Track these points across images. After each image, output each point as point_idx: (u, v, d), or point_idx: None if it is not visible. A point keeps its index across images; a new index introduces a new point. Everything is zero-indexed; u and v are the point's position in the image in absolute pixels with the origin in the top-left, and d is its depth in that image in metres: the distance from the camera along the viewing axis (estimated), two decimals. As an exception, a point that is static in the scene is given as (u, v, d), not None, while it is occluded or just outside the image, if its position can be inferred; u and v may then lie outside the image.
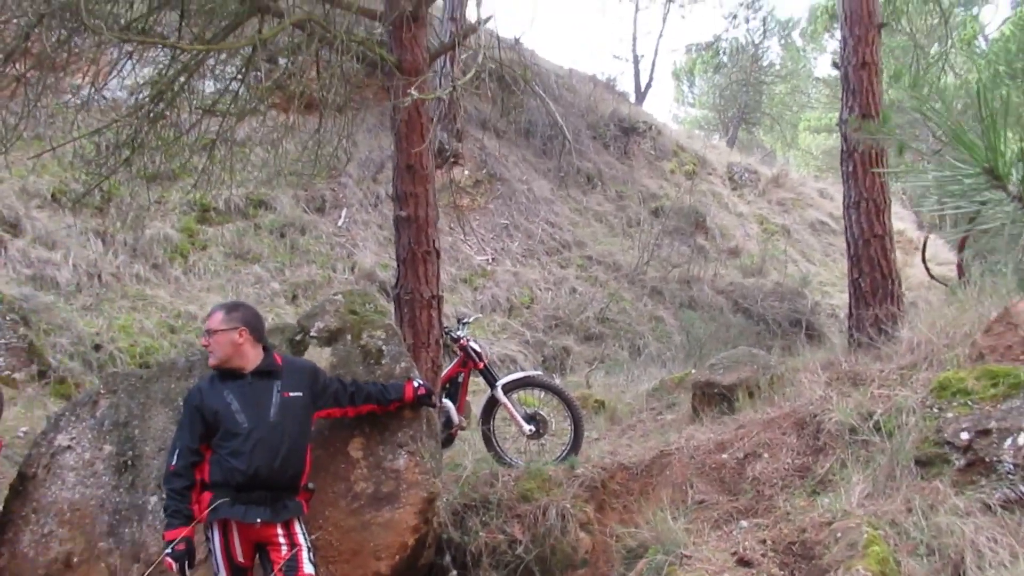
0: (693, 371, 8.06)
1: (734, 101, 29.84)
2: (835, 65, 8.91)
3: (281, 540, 3.77)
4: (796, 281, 15.50)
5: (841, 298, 14.55)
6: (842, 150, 8.26)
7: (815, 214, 20.41)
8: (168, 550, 3.62)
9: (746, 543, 3.86)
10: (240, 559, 3.76)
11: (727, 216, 18.41)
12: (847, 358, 6.18)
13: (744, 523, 4.23)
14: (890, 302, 7.55)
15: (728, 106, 30.52)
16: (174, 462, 3.76)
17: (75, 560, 4.29)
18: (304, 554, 3.79)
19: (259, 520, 3.72)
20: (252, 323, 3.97)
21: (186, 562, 3.65)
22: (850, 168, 8.01)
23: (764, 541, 3.87)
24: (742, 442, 5.19)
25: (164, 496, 3.82)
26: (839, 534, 3.66)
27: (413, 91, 4.21)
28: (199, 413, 3.79)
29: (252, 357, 3.92)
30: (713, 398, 6.52)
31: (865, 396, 4.89)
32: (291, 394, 3.89)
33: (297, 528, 3.85)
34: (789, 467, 4.74)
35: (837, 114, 8.65)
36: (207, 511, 3.69)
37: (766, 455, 4.93)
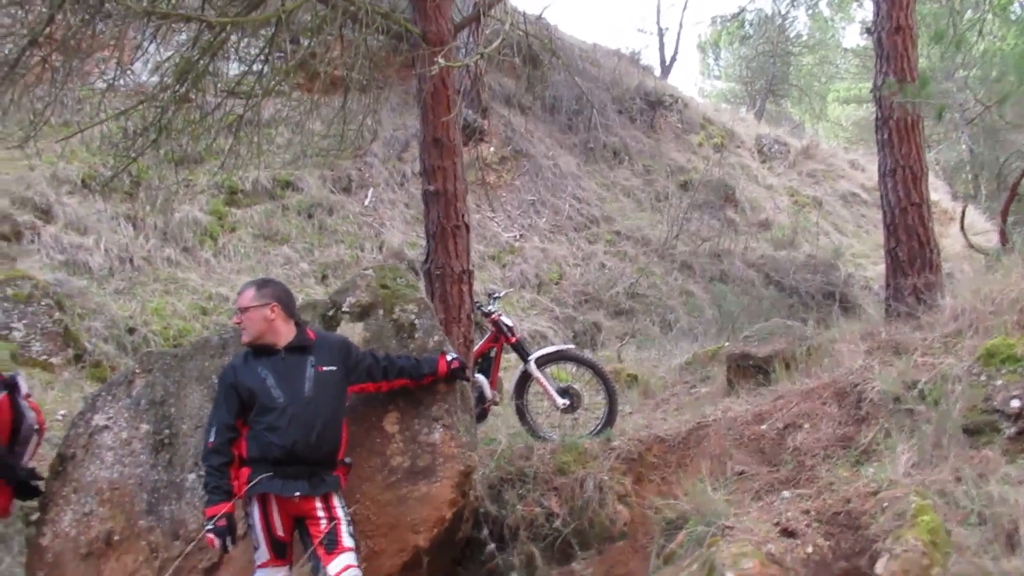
0: (726, 344, 7.97)
1: (761, 73, 29.35)
2: (868, 31, 8.69)
3: (320, 514, 3.77)
4: (829, 253, 15.26)
5: (875, 270, 14.33)
6: (876, 118, 8.05)
7: (847, 185, 20.08)
8: (210, 526, 3.62)
9: (789, 513, 3.78)
10: (280, 533, 3.75)
11: (757, 189, 18.17)
12: (886, 328, 6.05)
13: (786, 494, 4.15)
14: (929, 271, 7.37)
15: (755, 78, 30.03)
16: (212, 439, 3.76)
17: (116, 538, 4.32)
18: (343, 527, 3.78)
19: (297, 494, 3.71)
20: (283, 299, 3.96)
21: (228, 538, 3.66)
22: (885, 136, 7.82)
23: (807, 511, 3.79)
24: (781, 413, 5.10)
25: (203, 473, 3.83)
26: (886, 504, 3.57)
27: (440, 59, 4.13)
28: (234, 390, 3.79)
29: (285, 333, 3.91)
30: (748, 370, 6.44)
31: (908, 365, 4.77)
32: (325, 368, 3.88)
33: (336, 502, 3.84)
34: (831, 437, 4.65)
35: (867, 84, 8.45)
36: (246, 486, 3.69)
37: (806, 425, 4.84)
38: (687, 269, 14.40)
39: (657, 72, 26.42)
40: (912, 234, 7.54)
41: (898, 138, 7.68)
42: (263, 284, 4.04)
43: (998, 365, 4.05)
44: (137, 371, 4.70)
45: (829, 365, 5.79)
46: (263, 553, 3.77)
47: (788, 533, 3.64)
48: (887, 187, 7.79)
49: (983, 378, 4.08)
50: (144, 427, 4.51)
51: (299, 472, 3.72)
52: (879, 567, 3.22)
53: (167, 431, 4.47)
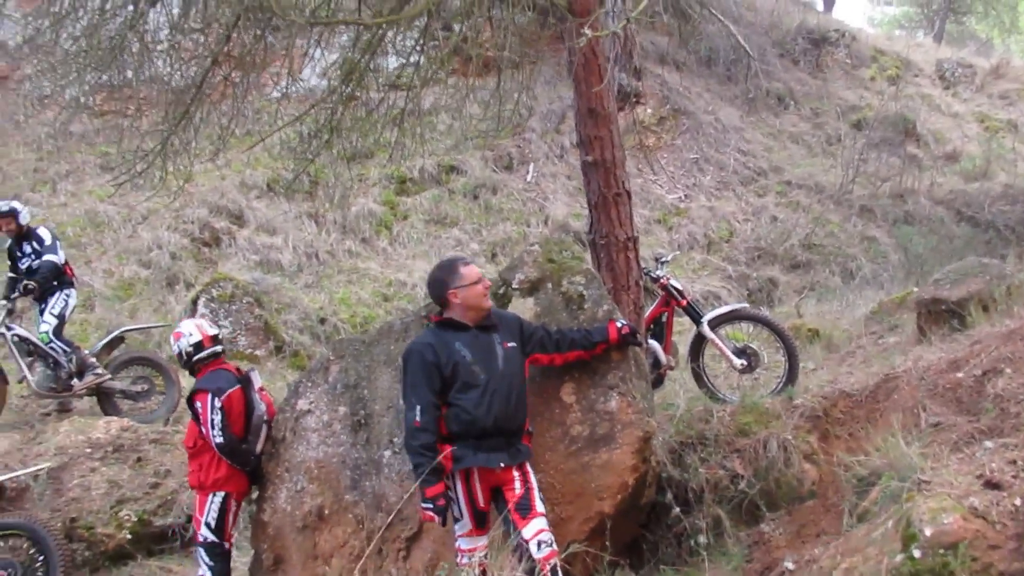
0: (915, 290, 7.53)
1: (938, -10, 27.02)
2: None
3: (516, 483, 3.92)
4: (1029, 180, 13.95)
5: (1089, 194, 12.98)
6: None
7: (1047, 103, 18.22)
8: (430, 505, 3.79)
9: (993, 464, 3.55)
10: (481, 504, 3.94)
11: (941, 119, 16.85)
12: (1100, 258, 5.51)
13: (989, 444, 3.89)
14: None
15: (931, -2, 27.68)
16: (419, 418, 3.84)
17: (326, 512, 4.71)
18: (535, 493, 3.93)
19: (502, 464, 3.87)
20: None
21: (445, 515, 3.86)
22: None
23: (1014, 462, 3.54)
24: (979, 359, 4.76)
25: (410, 453, 3.88)
26: (1105, 450, 3.30)
27: (587, 30, 4.14)
28: (436, 369, 3.90)
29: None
30: (941, 315, 6.05)
31: (1126, 297, 4.34)
32: (509, 344, 4.03)
33: (529, 469, 4.00)
34: (1038, 382, 4.31)
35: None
36: (453, 463, 3.86)
37: (1009, 370, 4.50)
38: (867, 213, 13.61)
39: (820, 7, 24.93)
40: None
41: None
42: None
43: None
44: (331, 358, 5.07)
45: (1034, 303, 5.36)
46: (466, 524, 3.95)
47: (992, 485, 3.42)
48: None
49: None
50: (342, 409, 4.87)
51: (499, 444, 3.88)
52: (1100, 518, 2.99)
53: (362, 412, 4.80)
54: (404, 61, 7.40)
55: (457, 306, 4.02)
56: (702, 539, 4.66)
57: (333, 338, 9.31)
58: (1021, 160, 14.99)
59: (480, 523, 3.96)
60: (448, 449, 3.86)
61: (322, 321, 10.24)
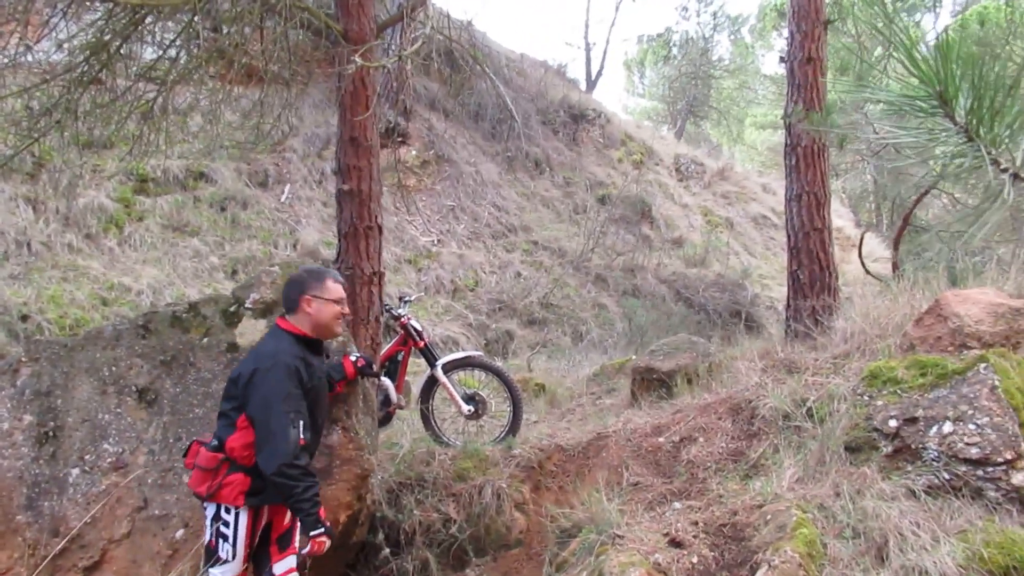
0: (634, 357, 8.12)
1: (683, 93, 30.08)
2: (782, 60, 9.01)
3: (289, 514, 3.72)
4: (737, 273, 15.75)
5: (780, 291, 14.82)
6: (786, 144, 8.37)
7: (758, 208, 20.74)
8: (323, 529, 3.47)
9: (679, 524, 3.88)
10: (254, 541, 3.64)
11: (672, 207, 18.59)
12: (784, 347, 6.28)
13: (677, 505, 4.26)
14: (827, 294, 7.69)
15: (677, 98, 30.75)
16: (304, 435, 3.43)
17: (-10, 533, 4.13)
18: (298, 529, 3.77)
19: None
20: None
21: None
22: (793, 162, 8.13)
23: (696, 523, 3.90)
24: (678, 426, 5.23)
25: (292, 474, 3.37)
26: (769, 516, 3.71)
27: (357, 58, 4.10)
28: (302, 387, 3.54)
29: None
30: (652, 383, 6.58)
31: (799, 383, 4.97)
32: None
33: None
34: (723, 451, 4.80)
35: (782, 112, 8.76)
36: (252, 496, 3.52)
37: (701, 439, 4.98)
38: (601, 282, 14.63)
39: (582, 86, 26.83)
40: (813, 258, 7.85)
41: (804, 164, 8.00)
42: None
43: (879, 386, 4.25)
44: (23, 359, 4.50)
45: (728, 381, 5.98)
46: (237, 564, 3.53)
47: (676, 543, 3.74)
48: (792, 211, 8.10)
49: (866, 398, 4.27)
50: (28, 418, 4.33)
51: None
52: (758, 577, 3.34)
53: (52, 423, 4.30)
54: (161, 53, 6.91)
55: (305, 316, 3.68)
56: (408, 582, 4.64)
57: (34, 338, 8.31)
58: (733, 254, 16.90)
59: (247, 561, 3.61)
60: (237, 479, 3.49)
61: (24, 318, 9.11)
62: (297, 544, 3.72)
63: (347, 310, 3.83)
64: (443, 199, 15.14)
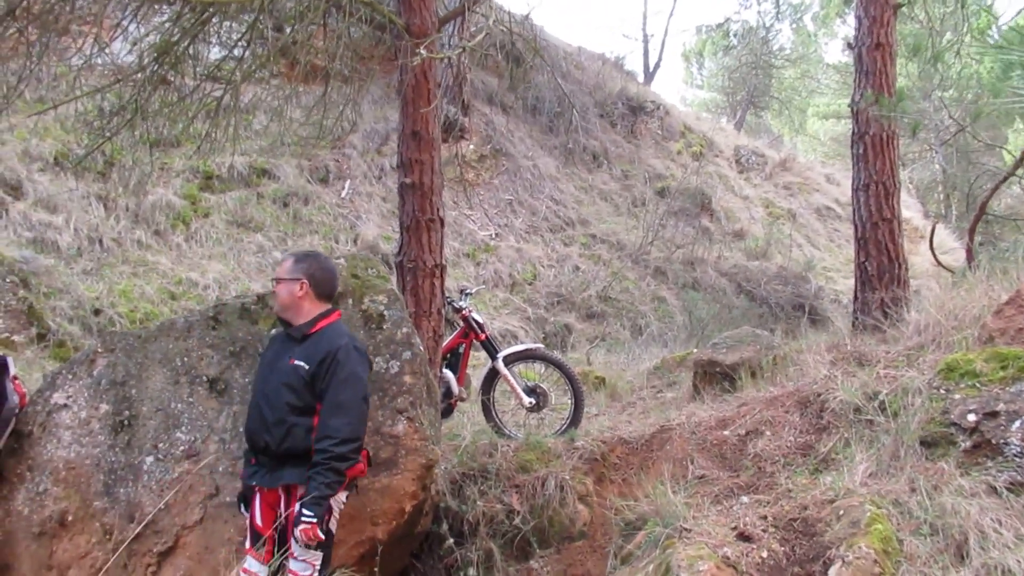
0: (695, 350, 8.02)
1: (743, 84, 29.52)
2: (849, 46, 8.79)
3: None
4: (800, 265, 15.42)
5: (845, 284, 14.49)
6: (853, 132, 8.16)
7: (821, 199, 20.29)
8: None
9: (747, 518, 3.81)
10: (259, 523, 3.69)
11: (733, 199, 18.30)
12: (852, 340, 6.13)
13: (745, 499, 4.19)
14: (896, 285, 7.48)
15: (737, 89, 30.21)
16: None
17: (69, 518, 4.26)
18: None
19: (254, 483, 3.67)
20: (316, 277, 3.82)
21: None
22: (860, 150, 7.92)
23: (765, 517, 3.82)
24: (744, 419, 5.14)
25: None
26: (841, 512, 3.62)
27: (423, 50, 4.12)
28: None
29: (304, 314, 3.78)
30: (715, 377, 6.49)
31: (871, 376, 4.83)
32: (296, 362, 3.63)
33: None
34: (791, 445, 4.70)
35: (846, 101, 8.54)
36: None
37: (768, 432, 4.88)
38: (660, 275, 14.48)
39: (640, 78, 26.55)
40: (882, 249, 7.64)
41: (873, 153, 7.79)
42: (302, 258, 3.90)
43: (957, 379, 4.11)
44: (99, 350, 4.63)
45: (794, 375, 5.86)
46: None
47: (745, 537, 3.67)
48: (859, 201, 7.89)
49: (942, 392, 4.14)
50: (104, 407, 4.45)
51: (258, 462, 3.72)
52: (832, 573, 3.26)
53: (127, 412, 4.42)
54: (227, 52, 7.05)
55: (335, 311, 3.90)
56: (472, 572, 4.65)
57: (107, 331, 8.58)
58: (795, 247, 16.56)
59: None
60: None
61: (97, 312, 9.39)
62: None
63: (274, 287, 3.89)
64: (501, 193, 15.15)
